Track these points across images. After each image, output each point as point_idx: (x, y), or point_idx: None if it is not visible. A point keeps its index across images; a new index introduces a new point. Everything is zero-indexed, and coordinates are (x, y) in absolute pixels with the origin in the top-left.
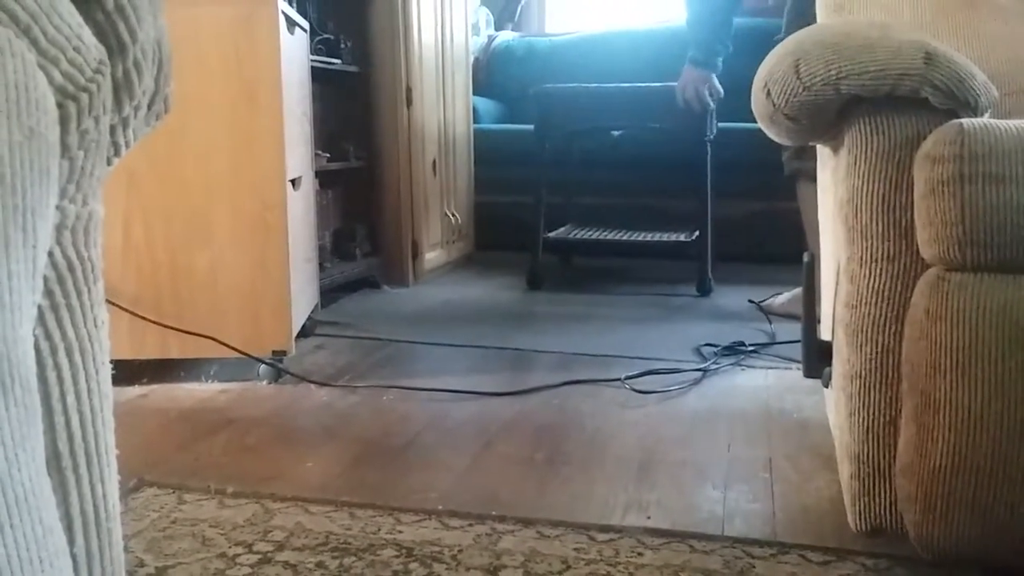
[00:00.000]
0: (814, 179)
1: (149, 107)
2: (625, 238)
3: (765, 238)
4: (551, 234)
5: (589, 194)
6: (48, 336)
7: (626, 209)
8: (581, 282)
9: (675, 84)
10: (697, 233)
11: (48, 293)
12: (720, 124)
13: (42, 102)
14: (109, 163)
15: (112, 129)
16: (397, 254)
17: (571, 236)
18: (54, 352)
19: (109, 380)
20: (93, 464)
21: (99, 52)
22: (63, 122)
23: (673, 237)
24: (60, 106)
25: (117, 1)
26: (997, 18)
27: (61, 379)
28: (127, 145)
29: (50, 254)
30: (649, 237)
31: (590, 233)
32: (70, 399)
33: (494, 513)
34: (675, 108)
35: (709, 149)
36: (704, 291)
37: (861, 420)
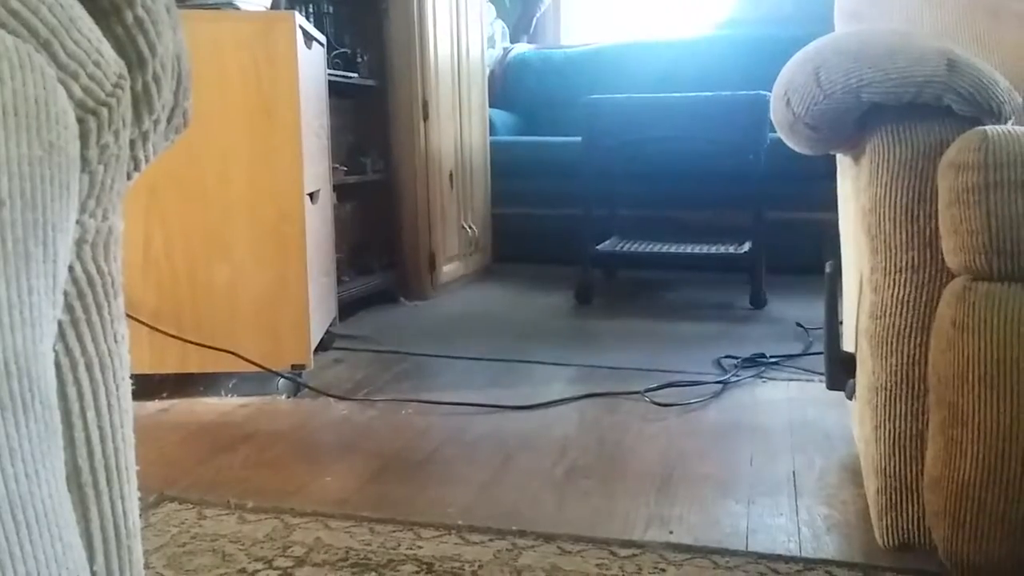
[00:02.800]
0: None
1: (168, 121)
2: (673, 250)
3: (817, 249)
4: (599, 247)
5: (634, 206)
6: (68, 352)
7: (672, 221)
8: (630, 296)
9: (727, 94)
10: (749, 245)
11: (68, 308)
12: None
13: (62, 116)
14: (129, 177)
15: (132, 143)
16: (414, 267)
17: (618, 249)
18: (74, 368)
19: (129, 396)
20: (113, 481)
21: (119, 66)
22: (83, 136)
23: (723, 249)
24: (80, 120)
25: (136, 15)
26: (1020, 26)
27: (81, 395)
28: (147, 159)
29: (70, 269)
30: (699, 249)
31: (636, 246)
32: (90, 415)
33: (514, 528)
34: (727, 118)
35: (763, 159)
36: (759, 304)
37: (887, 433)
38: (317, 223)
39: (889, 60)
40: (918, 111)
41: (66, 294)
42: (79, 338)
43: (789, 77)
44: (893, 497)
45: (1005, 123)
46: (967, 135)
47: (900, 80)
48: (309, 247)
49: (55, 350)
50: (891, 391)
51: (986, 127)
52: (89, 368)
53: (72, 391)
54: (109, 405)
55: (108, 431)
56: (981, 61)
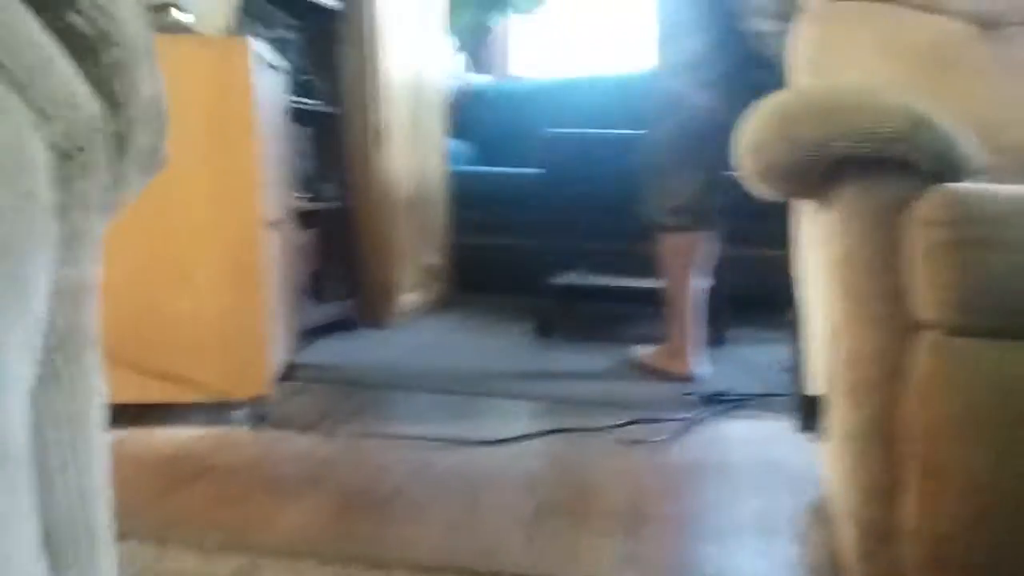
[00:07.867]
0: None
1: (145, 164)
2: (631, 284)
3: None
4: (554, 280)
5: (596, 239)
6: (42, 408)
7: (632, 256)
8: (591, 329)
9: None
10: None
11: (43, 362)
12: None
13: (37, 162)
14: (105, 222)
15: (108, 187)
16: (373, 296)
17: (574, 282)
18: (49, 424)
19: (105, 453)
20: (89, 542)
21: (95, 108)
22: (59, 182)
23: None
24: (55, 165)
25: (114, 57)
26: (975, 77)
27: (55, 453)
28: (123, 203)
29: (45, 321)
30: (658, 284)
31: (595, 279)
32: (66, 473)
33: (485, 569)
34: None
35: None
36: (719, 342)
37: (861, 481)
38: (276, 251)
39: (855, 116)
40: (886, 165)
41: (41, 347)
42: (53, 394)
43: (756, 128)
44: (868, 545)
45: (971, 179)
46: (936, 192)
47: (866, 136)
48: (268, 276)
49: (28, 406)
50: (864, 440)
51: (955, 184)
52: (64, 425)
53: (45, 449)
54: (83, 464)
55: (82, 490)
56: (946, 117)
